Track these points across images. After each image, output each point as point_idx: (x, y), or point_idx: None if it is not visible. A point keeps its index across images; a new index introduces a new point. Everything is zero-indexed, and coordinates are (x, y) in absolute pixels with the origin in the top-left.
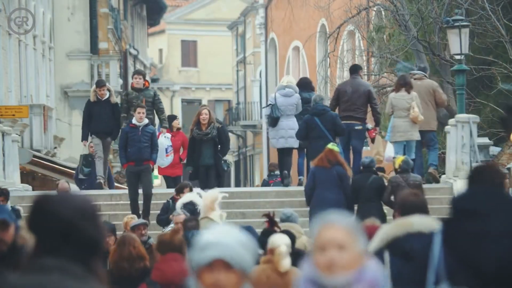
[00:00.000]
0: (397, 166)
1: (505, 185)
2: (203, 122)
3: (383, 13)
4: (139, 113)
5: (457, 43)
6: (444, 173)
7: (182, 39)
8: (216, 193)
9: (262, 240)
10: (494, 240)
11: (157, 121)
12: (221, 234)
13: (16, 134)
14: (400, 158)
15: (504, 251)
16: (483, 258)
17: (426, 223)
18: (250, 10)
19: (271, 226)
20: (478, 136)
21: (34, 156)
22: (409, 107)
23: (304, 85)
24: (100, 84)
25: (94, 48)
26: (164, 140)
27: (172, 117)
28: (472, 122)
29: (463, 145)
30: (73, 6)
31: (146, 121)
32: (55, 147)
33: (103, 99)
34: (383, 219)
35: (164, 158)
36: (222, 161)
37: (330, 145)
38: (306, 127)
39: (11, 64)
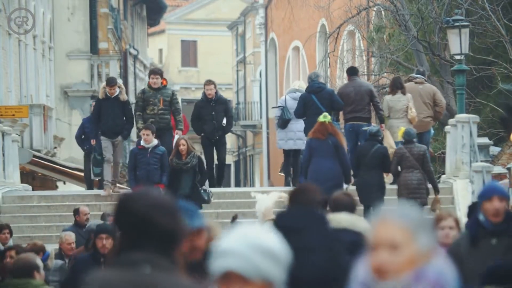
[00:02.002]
0: (399, 138)
1: (321, 205)
2: (182, 153)
3: (383, 13)
4: (143, 134)
5: (457, 43)
6: (444, 173)
7: (182, 39)
8: (277, 195)
9: None
10: (310, 253)
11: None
12: (238, 240)
13: (16, 134)
14: (402, 130)
15: (319, 263)
16: (302, 269)
17: (353, 221)
18: (250, 10)
19: None
20: (478, 136)
21: (34, 156)
22: (406, 108)
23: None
24: (111, 82)
25: (94, 48)
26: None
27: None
28: (472, 122)
29: (463, 145)
30: (73, 6)
31: (155, 142)
32: (55, 147)
33: (113, 96)
34: (382, 187)
35: None
36: (202, 191)
37: (322, 117)
38: (303, 104)
39: (11, 64)
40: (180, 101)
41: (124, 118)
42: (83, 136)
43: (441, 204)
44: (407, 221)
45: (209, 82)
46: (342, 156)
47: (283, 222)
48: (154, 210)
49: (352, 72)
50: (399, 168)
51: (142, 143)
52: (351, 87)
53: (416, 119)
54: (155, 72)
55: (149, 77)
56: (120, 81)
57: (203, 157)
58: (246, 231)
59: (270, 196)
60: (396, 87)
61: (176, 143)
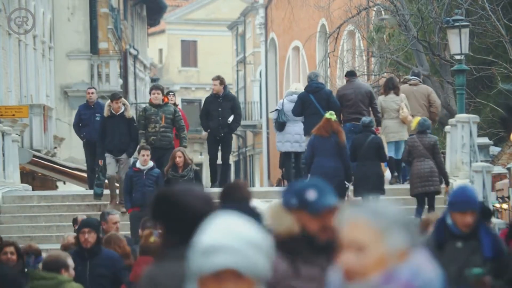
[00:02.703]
0: (413, 127)
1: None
2: (178, 165)
3: (383, 13)
4: (143, 155)
5: (457, 43)
6: None
7: (182, 39)
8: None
9: None
10: None
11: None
12: (230, 235)
13: (16, 134)
14: (416, 120)
15: None
16: None
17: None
18: (250, 10)
19: None
20: (478, 136)
21: (34, 156)
22: (398, 108)
23: None
24: (116, 96)
25: (94, 48)
26: None
27: (166, 93)
28: (472, 122)
29: (463, 145)
30: (73, 6)
31: (150, 164)
32: (55, 147)
33: (118, 113)
34: (379, 177)
35: None
36: None
37: (328, 115)
38: (301, 104)
39: (11, 64)
40: (180, 101)
41: (130, 135)
42: (80, 124)
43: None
44: (375, 219)
45: (215, 78)
46: (344, 154)
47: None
48: (203, 204)
49: (351, 73)
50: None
51: (137, 165)
52: (350, 88)
53: (408, 119)
54: (157, 87)
55: (150, 93)
56: (120, 81)
57: (206, 157)
58: (230, 223)
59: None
60: (389, 87)
61: (172, 155)
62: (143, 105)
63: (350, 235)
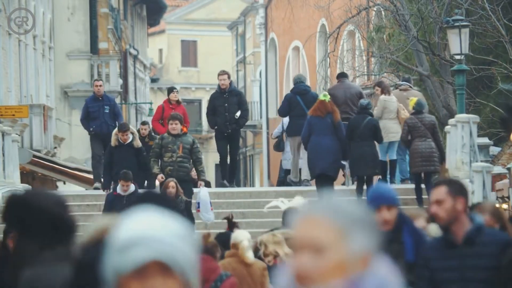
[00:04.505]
0: (411, 107)
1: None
2: (170, 195)
3: (383, 13)
4: (122, 185)
5: (457, 43)
6: None
7: (182, 39)
8: (300, 199)
9: (221, 240)
10: None
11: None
12: (152, 225)
13: (16, 134)
14: (413, 100)
15: None
16: None
17: None
18: (250, 10)
19: (231, 228)
20: (478, 136)
21: (34, 156)
22: (397, 109)
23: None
24: (123, 128)
25: (94, 48)
26: (205, 192)
27: (170, 89)
28: (472, 122)
29: (463, 145)
30: (73, 6)
31: (132, 189)
32: (55, 147)
33: (126, 143)
34: (375, 157)
35: (209, 212)
36: None
37: (322, 96)
38: (288, 105)
39: (11, 64)
40: (180, 101)
41: (138, 165)
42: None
43: (448, 173)
44: (336, 217)
45: (222, 72)
46: (340, 133)
47: None
48: (49, 201)
49: (342, 75)
50: (408, 137)
51: (118, 190)
52: (340, 88)
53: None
54: (175, 117)
55: (168, 123)
56: (120, 81)
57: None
58: (149, 215)
59: (294, 201)
60: (389, 88)
61: (165, 184)
62: (143, 105)
63: (307, 234)
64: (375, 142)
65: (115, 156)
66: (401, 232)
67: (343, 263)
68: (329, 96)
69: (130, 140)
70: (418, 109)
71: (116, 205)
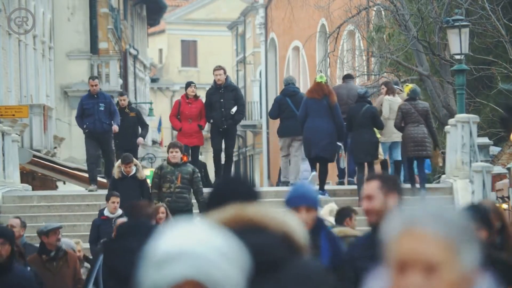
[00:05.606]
0: (405, 94)
1: (153, 218)
2: (159, 221)
3: (383, 13)
4: (113, 202)
5: (457, 43)
6: (444, 173)
7: (182, 39)
8: (330, 205)
9: None
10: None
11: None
12: (189, 240)
13: (16, 134)
14: (408, 87)
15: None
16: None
17: None
18: (250, 10)
19: None
20: (478, 136)
21: (34, 156)
22: None
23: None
24: (127, 160)
25: (94, 48)
26: None
27: (188, 84)
28: (472, 122)
29: (463, 145)
30: (73, 6)
31: (119, 212)
32: (55, 147)
33: (129, 175)
34: (374, 143)
35: None
36: None
37: (318, 78)
38: (278, 107)
39: (11, 64)
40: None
41: (142, 198)
42: (83, 115)
43: (441, 158)
44: (446, 229)
45: (218, 68)
46: (336, 115)
47: (121, 230)
48: None
49: (348, 76)
50: (402, 123)
51: (105, 213)
52: (344, 88)
53: None
54: (175, 145)
55: (168, 151)
56: (120, 81)
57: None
58: (190, 229)
59: (325, 208)
60: (393, 88)
61: (156, 209)
62: (143, 105)
63: (415, 250)
64: (375, 132)
65: (119, 188)
66: (318, 236)
67: (457, 283)
68: (325, 78)
69: (133, 172)
70: (412, 96)
71: (104, 229)
